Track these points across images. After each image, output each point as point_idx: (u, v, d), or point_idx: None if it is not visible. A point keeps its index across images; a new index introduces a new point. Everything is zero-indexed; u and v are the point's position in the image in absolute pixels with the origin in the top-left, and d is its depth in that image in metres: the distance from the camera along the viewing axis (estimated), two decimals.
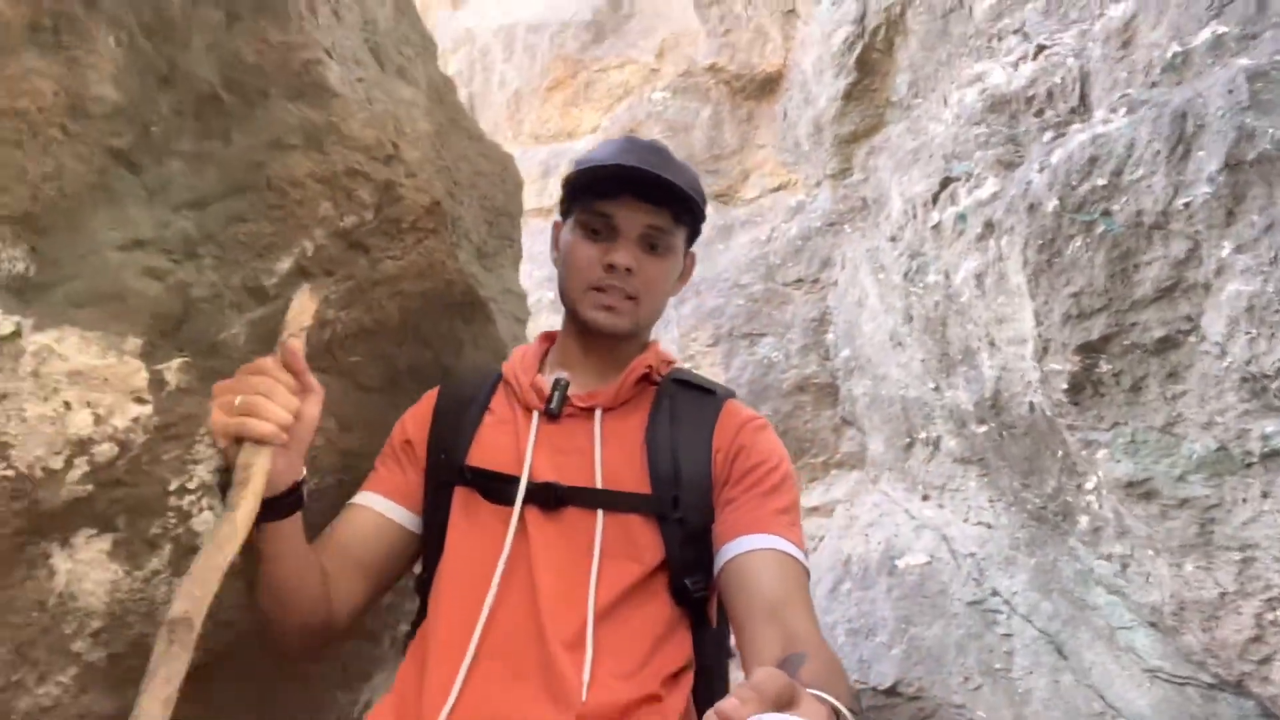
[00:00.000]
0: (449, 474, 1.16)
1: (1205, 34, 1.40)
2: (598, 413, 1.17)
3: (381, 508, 1.17)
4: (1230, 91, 1.27)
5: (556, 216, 1.31)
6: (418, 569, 1.23)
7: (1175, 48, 1.45)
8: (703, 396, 1.22)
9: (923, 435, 2.41)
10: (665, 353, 1.30)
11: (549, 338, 1.33)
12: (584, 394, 1.19)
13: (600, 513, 1.09)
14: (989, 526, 2.21)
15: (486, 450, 1.16)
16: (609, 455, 1.14)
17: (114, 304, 1.00)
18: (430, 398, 1.27)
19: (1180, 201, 1.35)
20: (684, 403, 1.20)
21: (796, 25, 3.18)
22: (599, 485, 1.11)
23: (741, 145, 3.40)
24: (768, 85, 3.34)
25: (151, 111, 1.05)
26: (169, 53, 1.06)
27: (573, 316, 1.24)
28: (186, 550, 1.05)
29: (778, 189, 3.27)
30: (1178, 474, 1.48)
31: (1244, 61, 1.30)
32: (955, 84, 2.09)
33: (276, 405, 0.89)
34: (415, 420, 1.25)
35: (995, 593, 2.14)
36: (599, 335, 1.21)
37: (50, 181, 0.94)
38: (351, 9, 1.32)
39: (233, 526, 0.84)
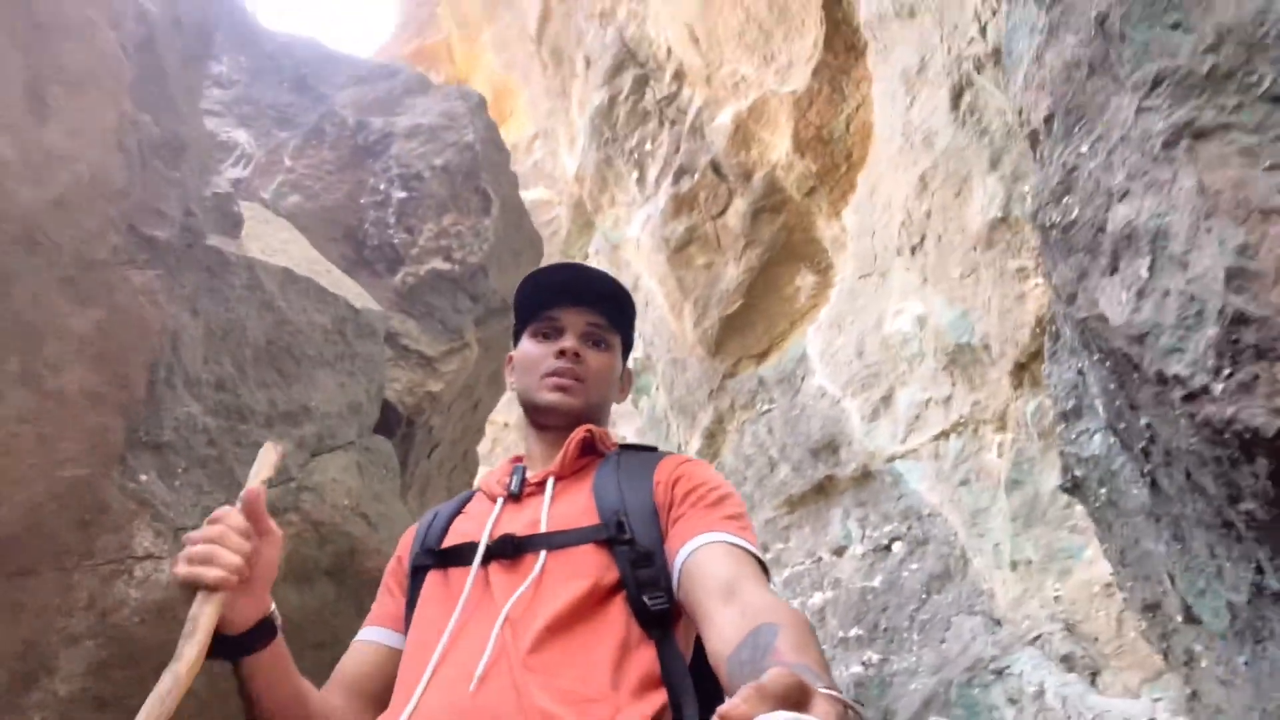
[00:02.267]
0: (422, 560, 1.24)
1: None
2: (549, 480, 1.26)
3: (381, 638, 1.25)
4: None
5: (511, 352, 1.46)
6: None
7: None
8: (644, 453, 1.36)
9: None
10: (613, 435, 1.39)
11: (516, 460, 1.42)
12: (539, 472, 1.29)
13: (543, 552, 1.15)
14: None
15: (456, 535, 1.26)
16: (557, 508, 1.22)
17: None
18: (411, 527, 1.39)
19: None
20: (627, 459, 1.31)
21: None
22: (543, 529, 1.18)
23: None
24: None
25: None
26: None
27: (530, 410, 1.35)
28: None
29: None
30: None
31: None
32: None
33: (228, 551, 0.95)
34: (401, 549, 1.35)
35: None
36: (554, 417, 1.32)
37: None
38: None
39: (175, 678, 0.88)
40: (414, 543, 1.35)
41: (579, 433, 1.31)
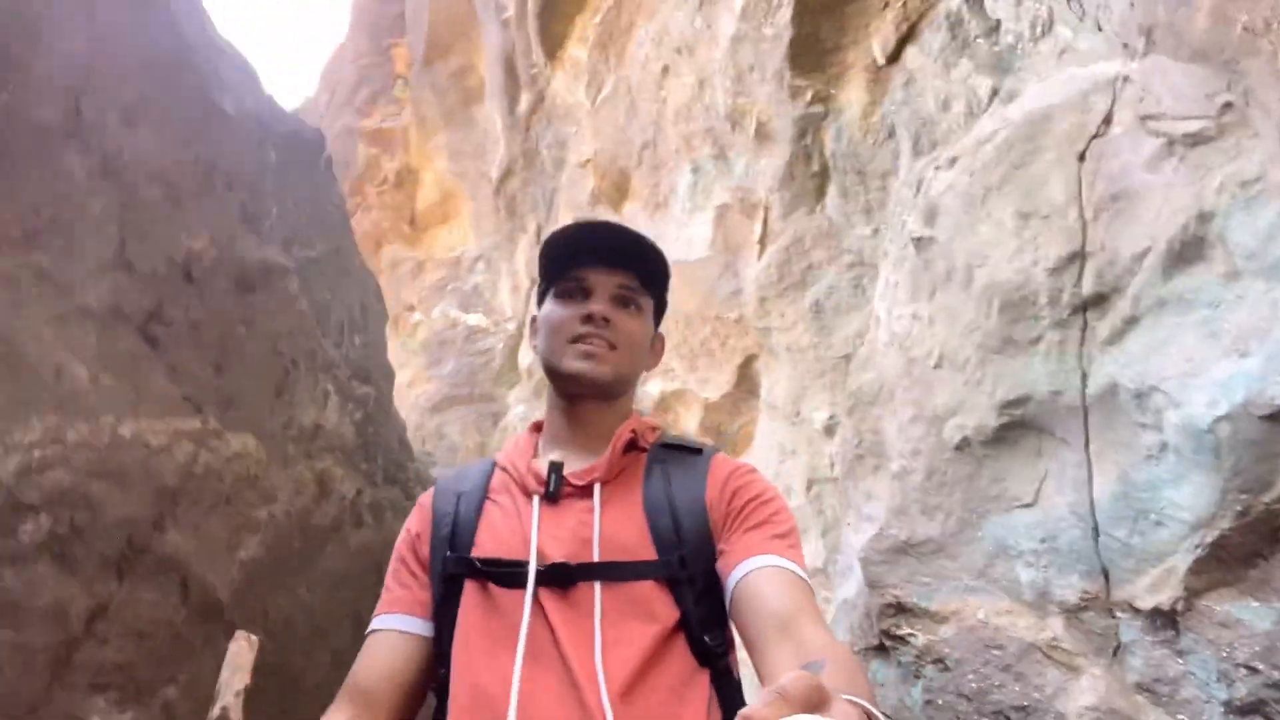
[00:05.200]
0: (457, 568, 1.19)
1: None
2: (596, 488, 1.21)
3: (402, 625, 1.21)
4: None
5: (534, 312, 1.40)
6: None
7: None
8: (690, 455, 1.28)
9: None
10: (648, 419, 1.37)
11: (538, 426, 1.39)
12: (578, 471, 1.24)
13: (598, 585, 1.11)
14: None
15: (493, 540, 1.20)
16: (608, 528, 1.17)
17: None
18: (426, 498, 1.33)
19: None
20: (673, 464, 1.25)
21: None
22: (596, 558, 1.14)
23: None
24: None
25: None
26: None
27: (556, 377, 1.30)
28: None
29: None
30: None
31: None
32: None
33: None
34: (417, 525, 1.30)
35: None
36: (581, 386, 1.27)
37: None
38: None
39: None
40: (435, 525, 1.26)
41: (624, 433, 1.26)
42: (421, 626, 1.21)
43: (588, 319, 1.25)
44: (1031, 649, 1.83)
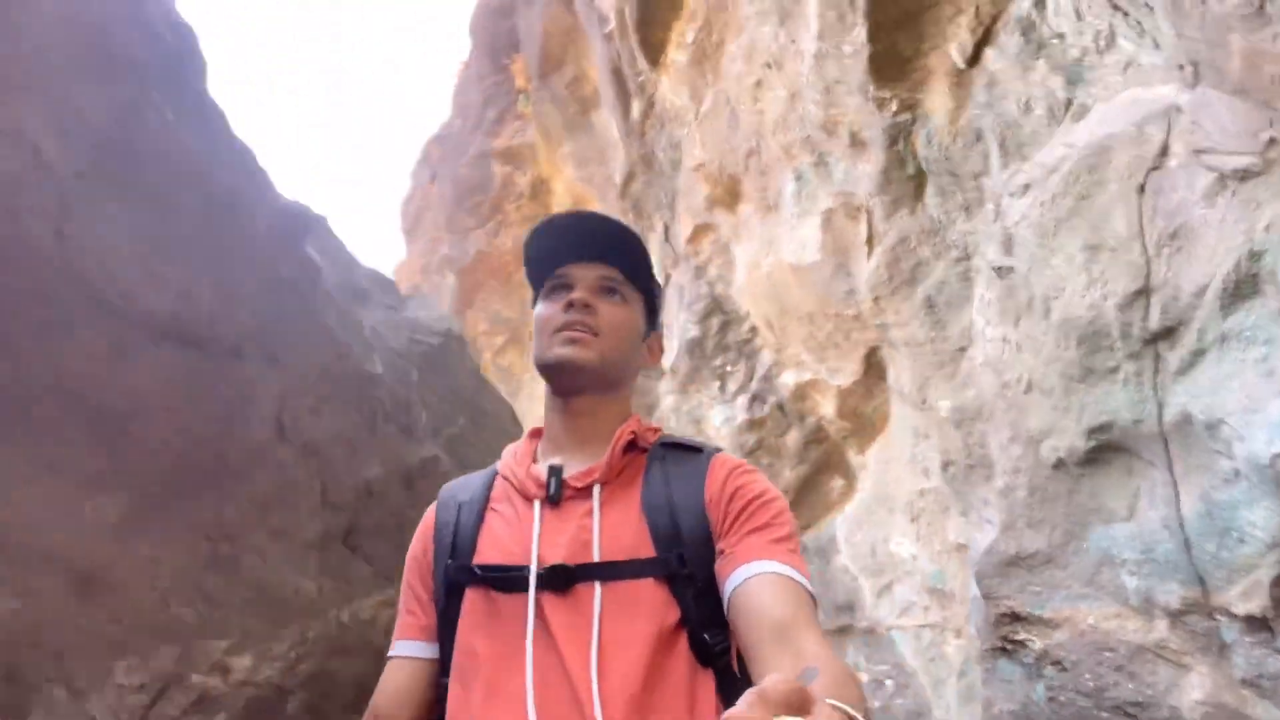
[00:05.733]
0: (458, 576, 1.19)
1: None
2: (595, 489, 1.21)
3: (415, 651, 1.23)
4: None
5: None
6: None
7: None
8: (691, 454, 1.27)
9: None
10: (649, 422, 1.35)
11: (536, 433, 1.38)
12: (578, 473, 1.24)
13: (597, 585, 1.11)
14: None
15: (494, 547, 1.20)
16: (608, 528, 1.17)
17: None
18: (427, 519, 1.32)
19: None
20: (673, 463, 1.24)
21: None
22: (596, 559, 1.13)
23: None
24: None
25: None
26: None
27: (546, 372, 1.29)
28: None
29: None
30: None
31: None
32: None
33: None
34: (419, 545, 1.31)
35: None
36: (568, 375, 1.27)
37: None
38: None
39: None
40: (436, 537, 1.26)
41: (624, 435, 1.26)
42: (430, 650, 1.22)
43: (569, 306, 1.25)
44: (1142, 650, 1.97)
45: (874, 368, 3.74)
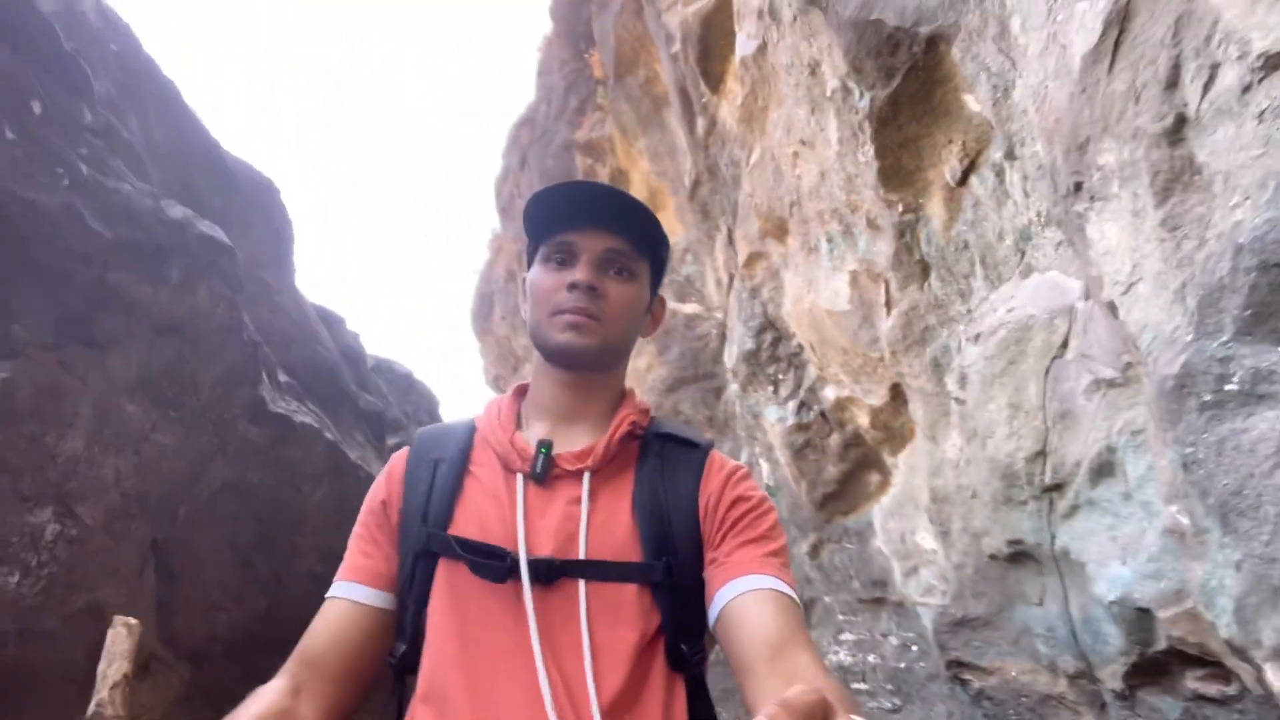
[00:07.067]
0: (432, 544, 1.13)
1: None
2: (586, 476, 1.16)
3: (358, 595, 1.14)
4: None
5: (523, 274, 1.29)
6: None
7: None
8: (687, 450, 1.23)
9: None
10: (642, 401, 1.29)
11: (521, 391, 1.30)
12: (569, 454, 1.18)
13: (582, 584, 1.08)
14: None
15: (473, 520, 1.14)
16: (596, 523, 1.13)
17: None
18: (399, 460, 1.25)
19: None
20: (668, 458, 1.20)
21: None
22: (582, 556, 1.10)
23: None
24: None
25: None
26: None
27: (543, 350, 1.23)
28: None
29: None
30: None
31: None
32: None
33: None
34: (384, 493, 1.22)
35: None
36: (567, 359, 1.20)
37: None
38: None
39: None
40: (406, 495, 1.19)
41: (622, 424, 1.21)
42: (379, 599, 1.15)
43: (572, 288, 1.17)
44: (1049, 698, 2.64)
45: (899, 395, 4.33)
